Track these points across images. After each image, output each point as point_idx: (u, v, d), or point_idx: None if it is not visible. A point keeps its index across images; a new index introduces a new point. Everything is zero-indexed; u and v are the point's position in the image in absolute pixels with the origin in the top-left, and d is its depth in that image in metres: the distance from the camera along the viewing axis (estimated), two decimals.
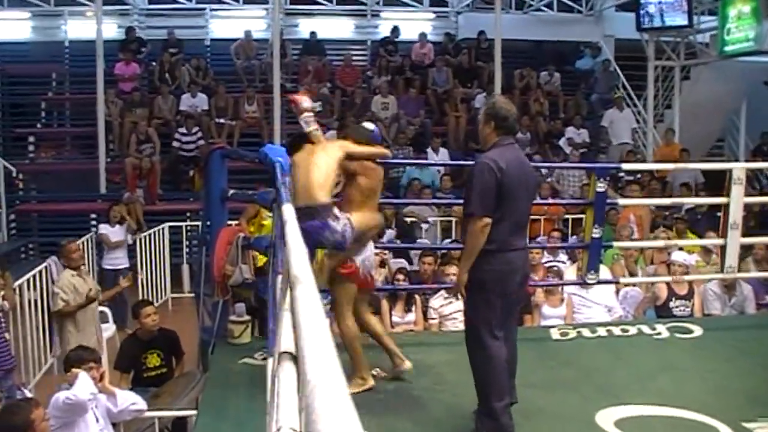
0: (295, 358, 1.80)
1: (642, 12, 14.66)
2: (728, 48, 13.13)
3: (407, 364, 5.10)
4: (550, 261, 8.45)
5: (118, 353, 6.59)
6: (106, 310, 8.33)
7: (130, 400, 5.18)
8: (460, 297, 4.71)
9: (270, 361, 3.16)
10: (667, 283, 7.26)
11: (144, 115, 13.56)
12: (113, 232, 10.02)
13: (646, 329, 6.36)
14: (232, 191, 6.20)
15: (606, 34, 16.94)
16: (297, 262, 2.07)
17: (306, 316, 1.49)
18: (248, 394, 4.77)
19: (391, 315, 6.86)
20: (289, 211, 3.28)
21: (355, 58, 16.41)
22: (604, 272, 7.34)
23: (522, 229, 4.43)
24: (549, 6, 17.25)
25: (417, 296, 7.02)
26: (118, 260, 9.97)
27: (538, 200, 10.91)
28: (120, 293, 8.49)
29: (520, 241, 4.36)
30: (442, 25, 17.47)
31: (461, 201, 4.78)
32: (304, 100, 5.04)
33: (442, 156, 13.25)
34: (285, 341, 1.90)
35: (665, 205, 10.41)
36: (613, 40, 16.84)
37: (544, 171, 12.65)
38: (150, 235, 10.79)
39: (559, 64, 16.33)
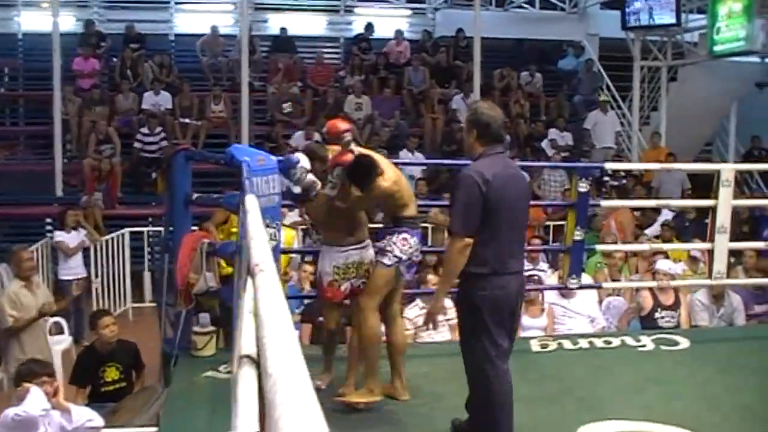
0: (257, 363, 1.78)
1: (628, 10, 14.78)
2: (718, 48, 13.21)
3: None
4: (530, 269, 8.47)
5: (74, 366, 6.52)
6: (62, 320, 8.24)
7: (86, 417, 5.12)
8: (431, 325, 4.58)
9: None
10: (653, 293, 7.30)
11: (104, 113, 13.46)
12: (70, 239, 9.89)
13: (630, 341, 6.40)
14: (196, 195, 6.16)
15: (590, 33, 17.10)
16: (258, 251, 2.05)
17: (267, 307, 1.46)
18: (212, 410, 4.74)
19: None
20: (252, 202, 3.27)
21: (327, 56, 16.42)
22: (587, 281, 7.38)
23: (517, 249, 4.23)
24: (531, 3, 17.39)
25: None
26: (74, 269, 9.84)
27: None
28: (78, 304, 8.41)
29: (515, 262, 4.19)
30: (419, 23, 17.54)
31: (437, 204, 4.76)
32: (340, 123, 5.03)
33: (417, 158, 13.25)
34: (245, 344, 1.88)
35: (649, 207, 10.47)
36: (598, 39, 16.99)
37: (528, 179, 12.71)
38: (109, 240, 10.70)
39: (541, 64, 16.43)
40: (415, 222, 4.92)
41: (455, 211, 4.12)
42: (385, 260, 4.83)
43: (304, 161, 4.87)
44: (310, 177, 4.89)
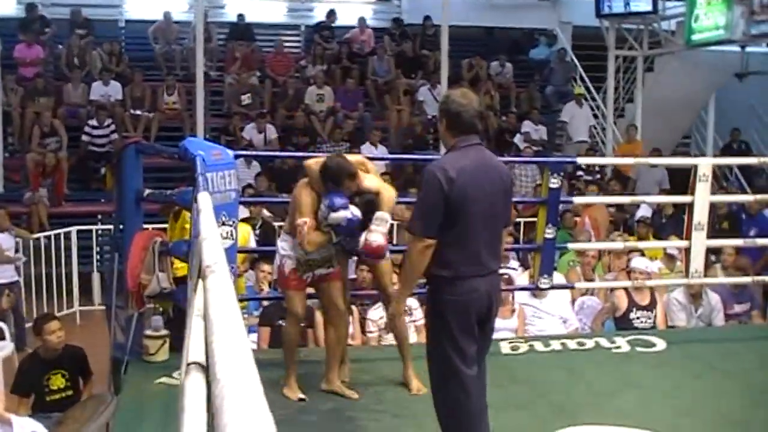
0: (205, 369, 1.76)
1: None
2: (696, 37, 13.25)
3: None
4: (500, 267, 8.50)
5: (16, 375, 6.44)
6: (3, 325, 8.15)
7: (29, 428, 5.08)
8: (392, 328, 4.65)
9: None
10: (628, 293, 7.35)
11: (49, 104, 13.33)
12: (4, 240, 9.68)
13: (604, 342, 6.45)
14: (148, 191, 6.13)
15: (562, 21, 17.21)
16: (210, 251, 2.04)
17: (218, 310, 1.45)
18: (165, 419, 4.72)
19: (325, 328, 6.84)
20: (205, 200, 3.26)
21: (287, 44, 16.39)
22: (559, 279, 7.42)
23: (489, 249, 4.09)
24: None
25: (354, 307, 7.01)
26: (5, 272, 9.50)
27: None
28: (18, 308, 8.31)
29: (486, 263, 4.06)
30: (384, 9, 17.58)
31: (402, 200, 4.78)
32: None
33: (381, 153, 13.22)
34: (193, 350, 1.87)
35: (624, 203, 10.54)
36: (571, 28, 17.11)
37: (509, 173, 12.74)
38: (55, 239, 10.58)
39: (512, 54, 16.53)
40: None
41: (416, 210, 4.09)
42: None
43: (341, 210, 4.89)
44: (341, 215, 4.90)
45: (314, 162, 5.12)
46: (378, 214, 4.91)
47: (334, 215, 4.84)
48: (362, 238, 4.90)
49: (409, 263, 4.13)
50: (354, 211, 4.89)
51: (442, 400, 4.11)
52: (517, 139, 14.33)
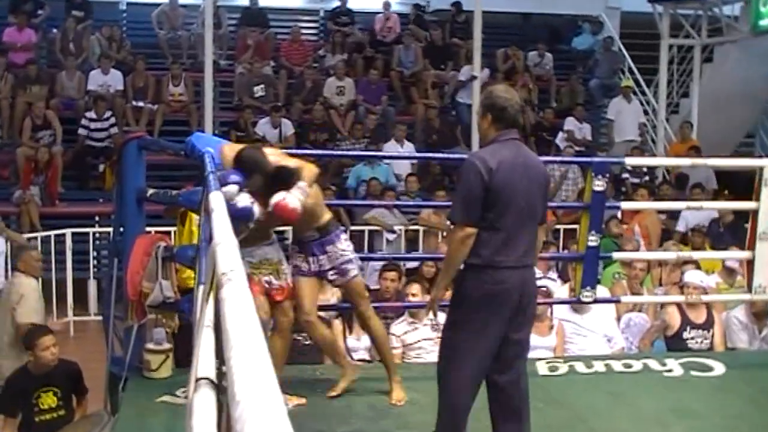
0: (216, 386, 1.76)
1: None
2: (763, 22, 13.07)
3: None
4: (541, 278, 8.47)
5: (2, 392, 6.46)
6: None
7: None
8: (431, 316, 4.83)
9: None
10: (681, 309, 7.29)
11: (42, 94, 13.40)
12: None
13: (654, 365, 6.40)
14: (151, 191, 6.15)
15: (609, 6, 17.13)
16: (226, 257, 2.04)
17: (236, 322, 1.44)
18: None
19: (345, 339, 6.86)
20: (217, 200, 3.27)
21: (304, 31, 16.41)
22: (603, 293, 7.38)
23: (522, 243, 4.43)
24: None
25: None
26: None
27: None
28: None
29: (518, 256, 4.40)
30: None
31: (429, 204, 4.88)
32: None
33: (406, 150, 13.23)
34: (203, 365, 1.87)
35: (679, 210, 10.42)
36: (619, 14, 17.02)
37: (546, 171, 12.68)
38: (43, 241, 10.63)
39: (552, 43, 16.47)
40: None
41: (456, 198, 4.47)
42: (354, 270, 5.47)
43: (232, 185, 4.85)
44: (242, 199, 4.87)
45: (230, 148, 5.21)
46: (300, 183, 4.97)
47: (224, 189, 4.82)
48: (275, 198, 4.89)
49: (449, 252, 4.49)
50: (243, 199, 4.81)
51: (440, 390, 4.49)
52: (559, 138, 14.25)
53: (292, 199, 4.91)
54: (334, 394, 5.49)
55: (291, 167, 5.04)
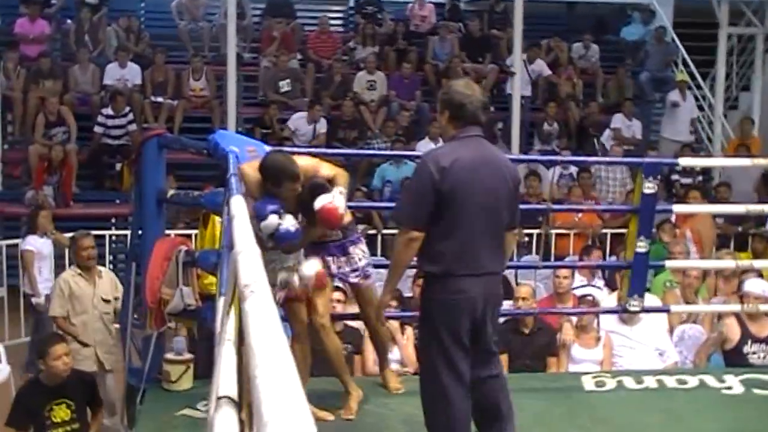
0: (237, 404, 1.76)
1: None
2: None
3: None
4: (585, 285, 8.46)
5: (13, 404, 6.46)
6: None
7: None
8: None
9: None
10: (740, 321, 7.23)
11: (55, 89, 13.46)
12: (43, 246, 9.82)
13: (711, 381, 6.34)
14: (171, 191, 6.19)
15: None
16: (248, 268, 2.04)
17: (260, 338, 1.44)
18: None
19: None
20: (238, 205, 3.28)
21: (333, 22, 16.43)
22: (654, 303, 7.33)
23: (484, 249, 4.43)
24: None
25: (409, 328, 7.03)
26: (49, 282, 9.59)
27: (566, 207, 11.13)
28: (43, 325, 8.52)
29: (481, 263, 4.41)
30: None
31: None
32: None
33: None
34: (224, 383, 1.87)
35: (737, 214, 10.31)
36: (672, 1, 16.86)
37: (572, 170, 12.66)
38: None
39: (599, 33, 16.39)
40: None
41: (402, 199, 4.57)
42: (374, 274, 5.51)
43: (271, 219, 4.85)
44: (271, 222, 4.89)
45: (249, 167, 5.05)
46: (339, 188, 5.01)
47: (264, 224, 4.81)
48: (320, 202, 4.91)
49: (394, 255, 4.55)
50: (288, 222, 4.83)
51: (428, 418, 4.52)
52: (605, 136, 14.15)
53: (339, 201, 4.93)
54: (351, 417, 5.39)
55: (317, 181, 5.03)
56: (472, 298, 4.35)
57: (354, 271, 5.39)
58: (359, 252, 5.40)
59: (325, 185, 5.00)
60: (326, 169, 5.15)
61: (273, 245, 4.90)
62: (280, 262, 5.10)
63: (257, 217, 4.79)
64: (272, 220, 4.77)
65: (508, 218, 4.53)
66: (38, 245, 9.80)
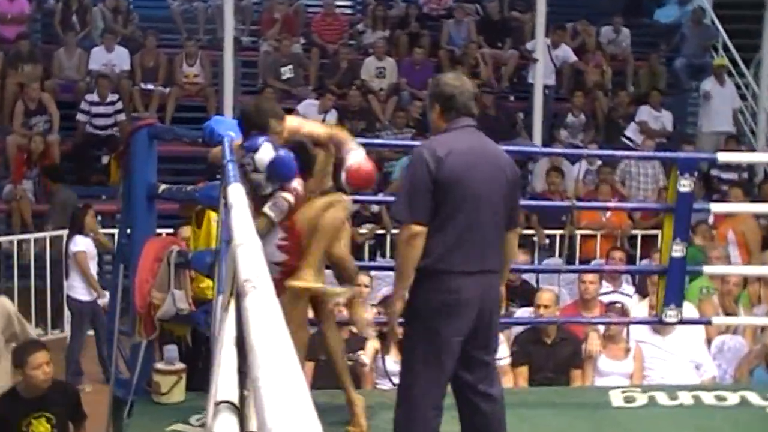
0: (238, 410, 1.76)
1: None
2: None
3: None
4: (611, 292, 8.44)
5: None
6: None
7: None
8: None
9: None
10: None
11: (36, 74, 13.48)
12: (89, 246, 9.85)
13: (754, 398, 6.30)
14: (163, 186, 6.18)
15: None
16: (249, 261, 2.03)
17: (263, 337, 1.44)
18: None
19: (383, 360, 6.85)
20: (237, 194, 3.27)
21: (339, 3, 16.44)
22: (690, 312, 7.32)
23: (481, 244, 4.50)
24: None
25: None
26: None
27: (591, 205, 11.10)
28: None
29: (476, 260, 4.46)
30: None
31: None
32: None
33: None
34: (223, 387, 1.87)
35: None
36: None
37: (600, 164, 12.63)
38: (37, 244, 10.71)
39: (630, 16, 16.34)
40: None
41: (400, 194, 4.56)
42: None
43: (265, 149, 4.86)
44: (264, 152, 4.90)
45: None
46: (346, 148, 5.08)
47: (259, 156, 4.82)
48: (352, 161, 5.00)
49: (398, 256, 4.59)
50: (279, 148, 4.88)
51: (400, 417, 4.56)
52: (630, 129, 14.08)
53: (357, 156, 5.04)
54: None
55: (300, 139, 5.07)
56: (465, 300, 4.40)
57: None
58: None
59: (306, 143, 5.04)
60: (314, 128, 5.21)
61: (271, 179, 4.91)
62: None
63: (249, 151, 4.85)
64: (267, 147, 4.82)
65: (508, 214, 4.61)
66: (87, 245, 9.84)
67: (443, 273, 4.40)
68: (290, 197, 4.93)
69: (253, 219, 4.74)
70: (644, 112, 14.23)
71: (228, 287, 2.58)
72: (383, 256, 10.85)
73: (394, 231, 10.71)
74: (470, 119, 4.64)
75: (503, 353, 6.69)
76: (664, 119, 14.31)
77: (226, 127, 5.33)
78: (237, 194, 3.31)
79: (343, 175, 5.03)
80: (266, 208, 4.92)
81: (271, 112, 5.06)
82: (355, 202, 5.79)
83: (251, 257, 2.08)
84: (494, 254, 4.55)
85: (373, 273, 8.04)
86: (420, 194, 4.40)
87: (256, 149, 4.84)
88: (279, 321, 1.53)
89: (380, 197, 9.85)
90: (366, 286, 7.54)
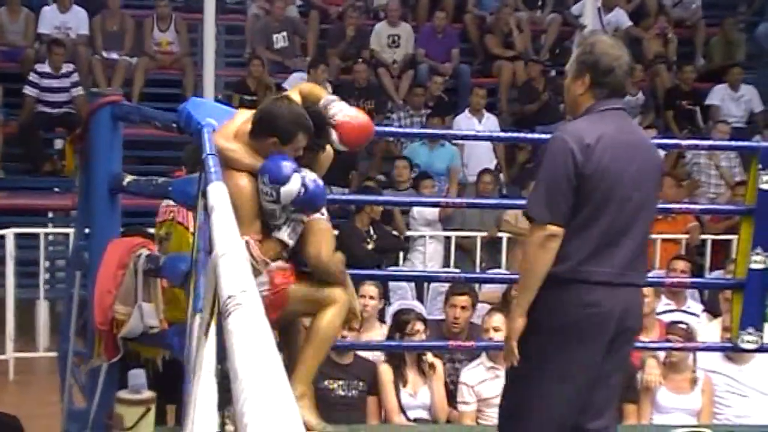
0: None
1: None
2: None
3: None
4: (672, 311, 8.43)
5: None
6: None
7: None
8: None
9: None
10: None
11: None
12: None
13: None
14: (129, 178, 6.20)
15: None
16: (232, 274, 2.05)
17: (252, 365, 1.45)
18: None
19: (398, 394, 6.87)
20: (219, 192, 3.29)
21: None
22: None
23: (627, 251, 4.47)
24: None
25: (439, 363, 7.04)
26: None
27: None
28: None
29: (620, 269, 4.44)
30: None
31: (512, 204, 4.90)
32: None
33: (489, 125, 13.20)
34: (201, 424, 1.88)
35: None
36: None
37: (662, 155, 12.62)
38: None
39: None
40: None
41: (537, 189, 4.50)
42: None
43: (294, 181, 4.90)
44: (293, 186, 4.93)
45: (221, 135, 5.07)
46: (324, 100, 5.09)
47: (286, 189, 4.84)
48: (341, 116, 5.02)
49: (527, 261, 4.52)
50: (308, 176, 4.91)
51: None
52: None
53: (343, 109, 5.06)
54: None
55: (315, 108, 5.09)
56: (604, 314, 4.38)
57: None
58: None
59: (322, 113, 5.08)
60: (295, 95, 5.23)
61: (297, 211, 4.97)
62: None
63: (273, 182, 4.84)
64: (296, 180, 4.83)
65: (654, 213, 4.67)
66: None
67: (582, 283, 4.39)
68: (306, 218, 5.02)
69: (260, 243, 4.85)
70: (719, 93, 14.16)
71: (208, 306, 2.59)
72: (395, 264, 10.83)
73: (409, 233, 10.79)
74: (621, 101, 4.62)
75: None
76: (747, 101, 14.25)
77: (206, 111, 5.32)
78: (219, 195, 3.32)
79: (334, 134, 5.01)
80: (284, 235, 4.96)
81: (305, 126, 4.97)
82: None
83: (236, 270, 2.09)
84: (641, 264, 4.58)
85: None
86: (561, 190, 4.39)
87: (284, 182, 4.85)
88: (269, 345, 1.54)
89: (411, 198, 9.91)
90: (371, 297, 7.56)
